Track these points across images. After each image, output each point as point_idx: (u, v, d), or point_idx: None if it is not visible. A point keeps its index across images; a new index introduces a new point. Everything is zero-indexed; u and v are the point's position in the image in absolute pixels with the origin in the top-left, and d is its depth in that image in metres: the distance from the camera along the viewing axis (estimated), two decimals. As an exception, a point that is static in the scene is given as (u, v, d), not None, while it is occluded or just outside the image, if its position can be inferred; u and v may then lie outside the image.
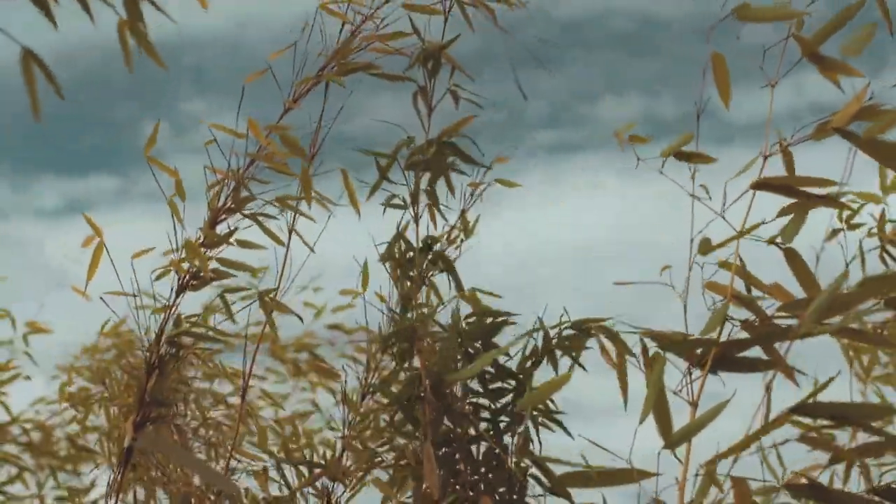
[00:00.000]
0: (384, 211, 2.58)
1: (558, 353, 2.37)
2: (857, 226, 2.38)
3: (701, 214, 1.99)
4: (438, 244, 2.58)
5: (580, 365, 2.36)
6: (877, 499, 1.88)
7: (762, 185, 1.88)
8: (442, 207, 2.59)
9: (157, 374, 2.59)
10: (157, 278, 2.58)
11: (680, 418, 2.04)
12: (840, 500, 1.83)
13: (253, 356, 2.62)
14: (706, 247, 1.94)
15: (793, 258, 1.88)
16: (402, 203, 2.59)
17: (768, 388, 1.92)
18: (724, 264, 1.96)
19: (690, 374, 2.00)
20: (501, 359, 2.42)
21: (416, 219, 2.59)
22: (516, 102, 2.55)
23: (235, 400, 2.98)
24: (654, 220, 2.00)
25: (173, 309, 2.59)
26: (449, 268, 2.56)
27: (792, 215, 1.88)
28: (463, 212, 2.60)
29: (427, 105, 2.62)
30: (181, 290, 2.60)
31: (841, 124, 1.81)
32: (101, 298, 2.57)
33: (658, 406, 1.96)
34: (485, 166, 2.60)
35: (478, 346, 2.42)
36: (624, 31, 1.94)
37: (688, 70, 1.99)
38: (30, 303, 3.82)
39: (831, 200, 1.82)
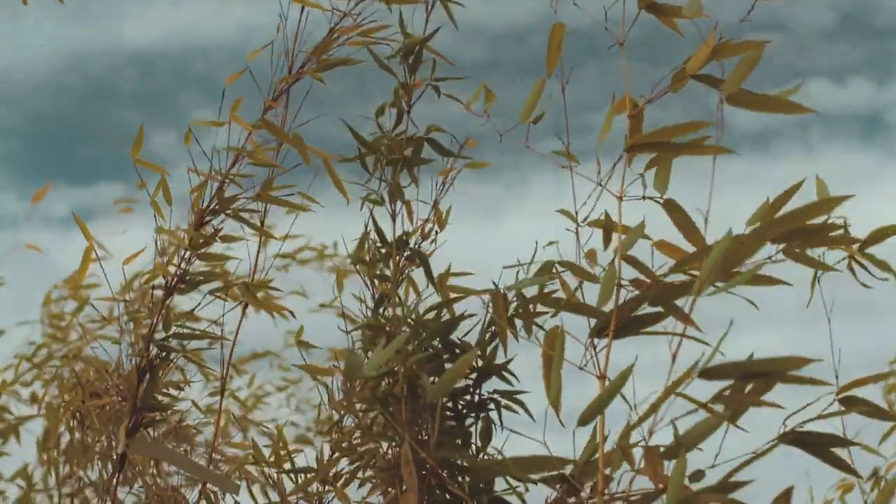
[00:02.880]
0: (361, 207, 2.56)
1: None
2: None
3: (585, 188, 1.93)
4: (413, 239, 2.54)
5: (533, 329, 2.23)
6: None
7: (635, 146, 1.79)
8: (415, 201, 2.55)
9: (148, 378, 2.62)
10: (146, 282, 2.62)
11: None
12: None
13: (230, 353, 2.63)
14: (569, 215, 1.87)
15: (672, 209, 1.79)
16: (380, 199, 2.57)
17: (674, 356, 1.83)
18: (594, 223, 1.89)
19: (595, 346, 1.93)
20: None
21: (393, 216, 2.56)
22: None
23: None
24: (652, 224, 1.95)
25: (161, 312, 2.60)
26: (424, 263, 2.52)
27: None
28: (435, 202, 2.56)
29: (407, 101, 2.61)
30: (169, 293, 2.62)
31: (695, 70, 1.73)
32: (91, 304, 2.63)
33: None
34: (460, 157, 2.56)
35: (437, 343, 2.37)
36: (635, 39, 1.90)
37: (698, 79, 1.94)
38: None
39: (696, 148, 1.72)
